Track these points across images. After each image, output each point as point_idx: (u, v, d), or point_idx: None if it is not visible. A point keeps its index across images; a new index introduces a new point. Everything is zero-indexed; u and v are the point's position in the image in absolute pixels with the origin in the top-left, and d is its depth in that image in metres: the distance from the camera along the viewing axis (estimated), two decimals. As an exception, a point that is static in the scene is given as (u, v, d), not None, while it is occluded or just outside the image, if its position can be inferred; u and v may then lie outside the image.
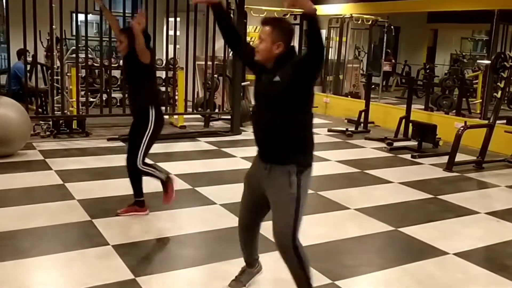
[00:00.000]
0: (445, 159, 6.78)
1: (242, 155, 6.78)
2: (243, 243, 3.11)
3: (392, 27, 11.69)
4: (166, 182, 4.31)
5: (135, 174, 4.24)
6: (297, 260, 2.73)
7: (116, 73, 9.67)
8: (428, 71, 14.08)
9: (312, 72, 2.60)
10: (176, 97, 8.67)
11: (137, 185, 4.31)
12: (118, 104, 9.42)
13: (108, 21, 4.32)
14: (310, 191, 5.56)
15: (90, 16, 8.32)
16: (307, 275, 2.79)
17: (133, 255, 3.67)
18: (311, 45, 2.52)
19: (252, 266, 3.21)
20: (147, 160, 4.30)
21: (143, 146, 4.12)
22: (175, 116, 8.77)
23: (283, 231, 2.70)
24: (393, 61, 15.21)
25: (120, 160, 6.23)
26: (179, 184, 5.41)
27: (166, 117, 5.27)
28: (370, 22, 11.33)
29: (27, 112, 6.67)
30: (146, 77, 4.23)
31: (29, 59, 8.37)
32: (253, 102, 2.93)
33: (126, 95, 4.44)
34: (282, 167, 2.66)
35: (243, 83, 9.20)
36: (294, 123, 2.63)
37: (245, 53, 2.91)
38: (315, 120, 8.37)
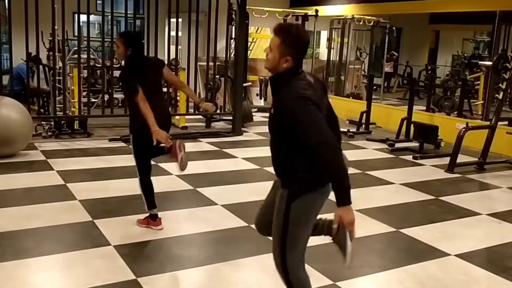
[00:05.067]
0: (446, 160, 6.78)
1: (243, 156, 6.79)
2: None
3: (394, 28, 11.70)
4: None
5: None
6: (286, 282, 2.60)
7: (118, 73, 9.68)
8: (429, 72, 14.07)
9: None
10: (178, 98, 8.68)
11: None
12: (119, 104, 9.43)
13: None
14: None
15: (92, 17, 8.33)
16: None
17: (134, 256, 3.68)
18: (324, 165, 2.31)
19: None
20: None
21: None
22: (177, 117, 8.78)
23: (274, 253, 2.61)
24: (393, 62, 15.20)
25: (121, 160, 6.27)
26: (179, 185, 5.43)
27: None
28: (372, 23, 11.33)
29: (29, 112, 6.68)
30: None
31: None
32: None
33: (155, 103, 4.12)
34: (282, 190, 2.54)
35: (244, 84, 9.21)
36: (287, 148, 2.48)
37: None
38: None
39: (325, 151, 2.28)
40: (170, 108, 8.30)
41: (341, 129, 9.14)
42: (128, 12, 8.19)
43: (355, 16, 11.21)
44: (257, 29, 11.94)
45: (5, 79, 8.51)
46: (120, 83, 4.11)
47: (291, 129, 2.35)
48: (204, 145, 7.59)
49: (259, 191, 5.36)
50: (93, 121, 8.08)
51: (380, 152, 7.63)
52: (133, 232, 4.10)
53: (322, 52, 13.49)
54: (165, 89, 6.50)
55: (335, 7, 11.69)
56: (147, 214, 4.21)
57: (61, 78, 7.76)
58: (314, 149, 2.29)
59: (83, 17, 7.96)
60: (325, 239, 4.15)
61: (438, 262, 3.81)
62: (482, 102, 9.89)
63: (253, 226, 4.23)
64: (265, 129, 3.11)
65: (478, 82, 11.34)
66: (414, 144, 7.87)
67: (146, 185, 4.13)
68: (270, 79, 2.54)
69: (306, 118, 2.30)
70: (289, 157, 2.50)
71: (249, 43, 10.68)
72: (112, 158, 6.45)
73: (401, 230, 4.41)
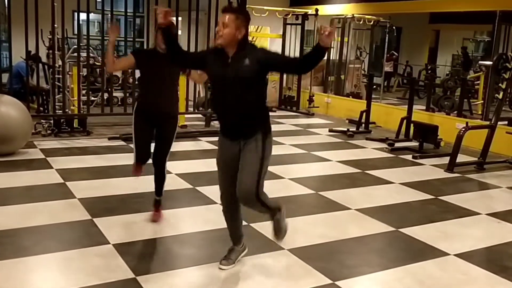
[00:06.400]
0: (446, 160, 6.78)
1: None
2: (230, 221, 3.45)
3: (394, 27, 11.68)
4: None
5: (163, 173, 4.25)
6: (261, 204, 3.17)
7: (118, 72, 9.68)
8: (429, 71, 14.07)
9: (281, 71, 3.26)
10: (178, 94, 8.67)
11: (162, 184, 4.31)
12: (119, 103, 9.42)
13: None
14: (311, 191, 5.58)
15: (91, 15, 8.32)
16: (273, 207, 3.29)
17: (133, 254, 3.67)
18: (305, 65, 3.01)
19: (238, 243, 3.51)
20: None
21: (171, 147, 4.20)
22: (176, 116, 8.77)
23: (251, 186, 3.10)
24: (393, 61, 15.18)
25: (121, 159, 6.27)
26: (179, 184, 5.42)
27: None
28: (372, 22, 11.33)
29: (29, 110, 6.68)
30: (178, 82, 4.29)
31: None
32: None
33: (152, 95, 4.21)
34: (253, 136, 3.12)
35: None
36: (260, 99, 3.18)
37: (192, 59, 3.43)
38: (317, 120, 8.36)
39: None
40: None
41: (341, 129, 9.10)
42: (128, 11, 8.18)
43: (355, 15, 11.20)
44: (257, 28, 11.93)
45: (5, 77, 8.50)
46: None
47: (263, 79, 3.14)
48: (203, 144, 7.59)
49: (258, 190, 5.38)
50: (92, 119, 8.07)
51: (379, 152, 7.63)
52: (132, 230, 4.10)
53: (322, 51, 13.46)
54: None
55: (335, 6, 11.68)
56: (152, 210, 4.34)
57: (60, 76, 7.75)
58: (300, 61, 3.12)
59: (83, 16, 7.95)
60: (325, 239, 4.15)
61: (437, 261, 3.81)
62: (482, 101, 9.89)
63: (252, 225, 4.25)
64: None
65: (478, 81, 11.34)
66: (414, 143, 7.87)
67: None
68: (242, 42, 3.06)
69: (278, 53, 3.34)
70: (259, 108, 3.16)
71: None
72: (112, 156, 6.45)
73: (400, 230, 4.40)
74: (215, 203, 4.81)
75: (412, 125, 8.12)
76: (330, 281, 3.38)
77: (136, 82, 7.94)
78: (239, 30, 3.03)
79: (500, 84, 7.33)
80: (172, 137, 4.17)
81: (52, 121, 7.57)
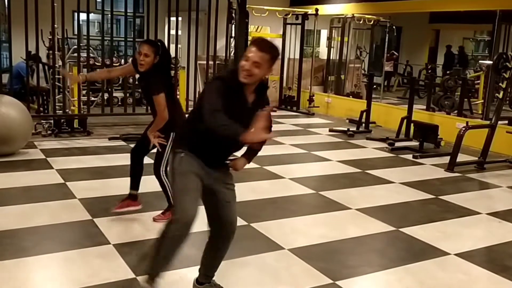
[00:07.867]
0: (446, 159, 6.78)
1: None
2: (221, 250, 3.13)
3: (394, 27, 11.68)
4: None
5: (162, 184, 4.22)
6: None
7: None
8: (429, 71, 14.06)
9: None
10: (178, 97, 8.67)
11: (164, 190, 4.26)
12: (119, 103, 9.42)
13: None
14: (311, 191, 5.56)
15: (92, 15, 8.33)
16: None
17: (134, 254, 3.67)
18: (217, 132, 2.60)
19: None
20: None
21: (166, 156, 4.10)
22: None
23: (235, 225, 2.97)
24: (393, 61, 15.19)
25: (121, 159, 6.26)
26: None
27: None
28: (372, 22, 11.33)
29: (29, 111, 6.68)
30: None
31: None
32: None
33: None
34: (228, 179, 2.97)
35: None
36: None
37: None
38: (317, 120, 8.33)
39: None
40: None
41: (341, 128, 9.09)
42: (128, 11, 8.19)
43: (355, 15, 11.20)
44: (257, 28, 11.93)
45: (5, 78, 8.50)
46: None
47: None
48: (203, 144, 7.58)
49: (258, 190, 5.37)
50: (92, 119, 8.07)
51: (380, 151, 7.63)
52: (132, 230, 4.10)
53: (322, 51, 13.48)
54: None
55: (335, 6, 11.68)
56: (161, 211, 4.35)
57: (60, 76, 7.75)
58: None
59: (83, 16, 7.96)
60: (325, 239, 4.15)
61: (438, 261, 3.81)
62: (482, 101, 9.89)
63: (252, 225, 4.24)
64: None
65: (478, 81, 11.33)
66: (414, 143, 7.87)
67: None
68: (261, 87, 2.76)
69: None
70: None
71: (248, 42, 10.67)
72: (112, 156, 6.44)
73: (401, 229, 4.40)
74: (215, 203, 4.80)
75: (412, 124, 8.11)
76: (330, 281, 3.38)
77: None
78: (267, 72, 2.67)
79: (500, 84, 7.32)
80: (162, 153, 4.07)
81: (52, 122, 7.57)
